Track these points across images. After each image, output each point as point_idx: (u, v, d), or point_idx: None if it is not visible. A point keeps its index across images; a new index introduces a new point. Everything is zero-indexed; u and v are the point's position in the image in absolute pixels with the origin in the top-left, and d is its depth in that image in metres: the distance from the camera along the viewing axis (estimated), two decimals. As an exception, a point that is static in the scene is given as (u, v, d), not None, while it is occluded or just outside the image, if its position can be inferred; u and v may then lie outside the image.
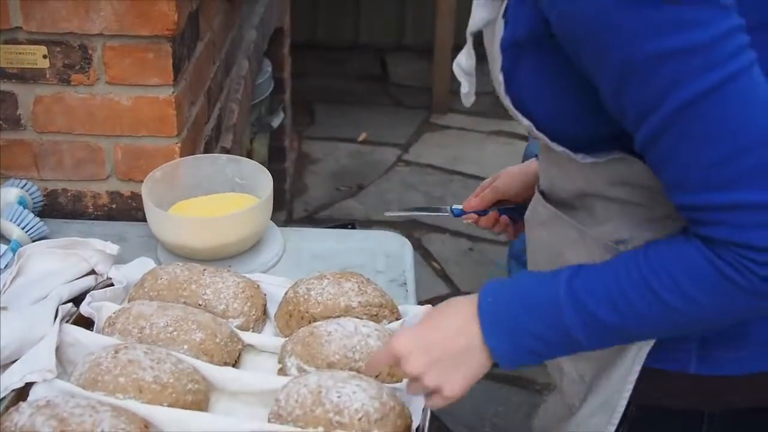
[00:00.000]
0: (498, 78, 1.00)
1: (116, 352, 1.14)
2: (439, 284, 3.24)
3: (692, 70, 0.81)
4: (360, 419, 1.07)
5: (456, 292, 3.11)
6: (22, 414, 1.03)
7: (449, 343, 0.98)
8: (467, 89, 1.13)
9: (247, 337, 1.30)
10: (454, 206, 1.46)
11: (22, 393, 1.16)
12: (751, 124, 0.83)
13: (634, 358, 1.07)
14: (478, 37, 1.06)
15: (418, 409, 1.16)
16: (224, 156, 1.70)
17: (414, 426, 1.14)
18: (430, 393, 1.03)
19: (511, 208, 1.40)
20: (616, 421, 1.12)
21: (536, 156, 1.26)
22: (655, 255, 0.92)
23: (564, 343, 0.95)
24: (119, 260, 1.47)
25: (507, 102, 1.01)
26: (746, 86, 0.82)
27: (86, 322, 1.31)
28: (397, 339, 1.01)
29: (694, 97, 0.82)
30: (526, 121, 1.01)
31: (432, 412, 1.17)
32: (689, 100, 0.82)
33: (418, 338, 1.00)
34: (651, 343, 1.05)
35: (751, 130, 0.83)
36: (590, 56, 0.87)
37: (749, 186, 0.83)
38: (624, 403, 1.10)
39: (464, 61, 1.10)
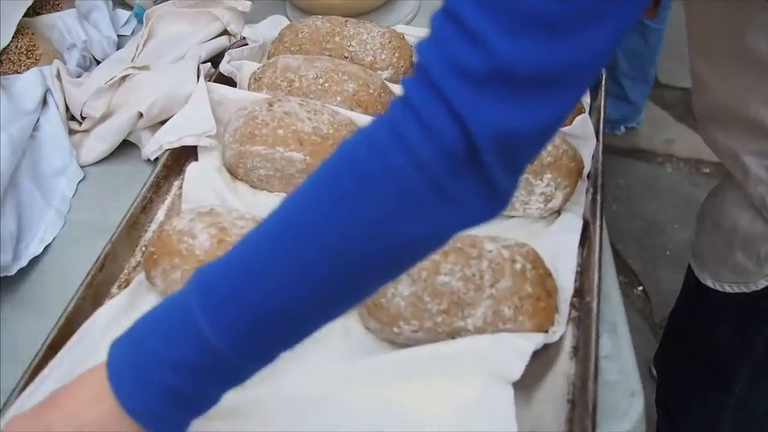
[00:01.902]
0: None
1: (270, 105, 1.08)
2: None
3: None
4: (532, 162, 1.00)
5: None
6: (183, 219, 0.95)
7: (76, 418, 0.64)
8: None
9: (398, 88, 1.22)
10: None
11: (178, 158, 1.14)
12: None
13: None
14: None
15: (588, 154, 1.09)
16: None
17: (585, 171, 1.08)
18: None
19: None
20: None
21: None
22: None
23: (205, 361, 0.62)
24: (248, 21, 1.40)
25: None
26: None
27: (226, 83, 1.25)
28: (8, 424, 0.67)
29: None
30: None
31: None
32: None
33: (37, 419, 0.66)
34: None
35: None
36: None
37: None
38: None
39: None
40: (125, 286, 0.98)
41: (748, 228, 1.09)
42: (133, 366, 0.63)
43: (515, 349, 0.84)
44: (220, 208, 0.97)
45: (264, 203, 1.09)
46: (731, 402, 1.36)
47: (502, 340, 0.85)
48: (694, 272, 1.25)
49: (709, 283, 1.19)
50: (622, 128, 2.97)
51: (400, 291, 0.86)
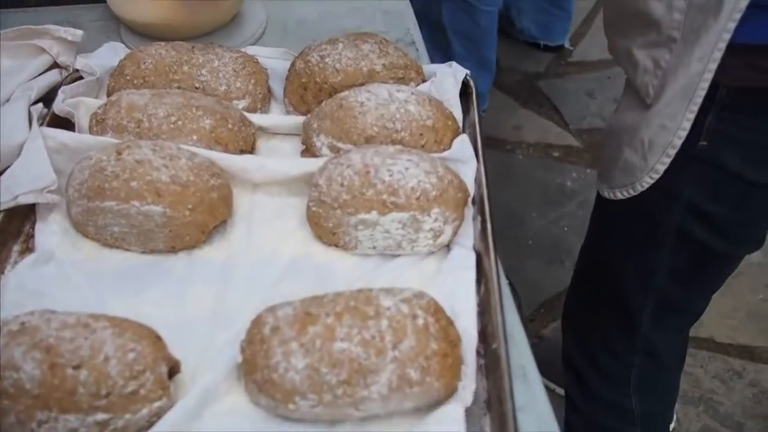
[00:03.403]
0: None
1: (119, 153, 0.95)
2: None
3: None
4: (418, 198, 0.92)
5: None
6: None
7: None
8: None
9: (258, 118, 1.12)
10: None
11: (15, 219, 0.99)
12: None
13: (720, 32, 0.97)
14: None
15: (470, 178, 1.03)
16: None
17: (470, 198, 1.01)
18: None
19: None
20: (695, 107, 1.05)
21: None
22: None
23: None
24: (79, 50, 1.26)
25: None
26: None
27: (62, 125, 1.11)
28: None
29: None
30: None
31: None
32: None
33: None
34: (738, 16, 0.95)
35: None
36: None
37: None
38: (705, 85, 1.02)
39: None
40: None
41: (633, 120, 1.14)
42: None
43: None
44: (34, 319, 0.79)
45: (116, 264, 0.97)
46: (639, 346, 1.42)
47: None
48: (597, 196, 1.32)
49: (605, 193, 1.23)
50: None
51: (293, 364, 0.77)
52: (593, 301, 1.48)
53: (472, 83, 1.18)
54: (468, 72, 1.18)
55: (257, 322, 0.81)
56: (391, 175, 0.92)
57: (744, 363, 2.11)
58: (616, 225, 1.29)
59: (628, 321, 1.39)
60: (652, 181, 1.13)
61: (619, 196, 1.19)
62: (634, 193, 1.17)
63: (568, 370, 1.61)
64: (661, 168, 1.11)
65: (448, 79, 1.16)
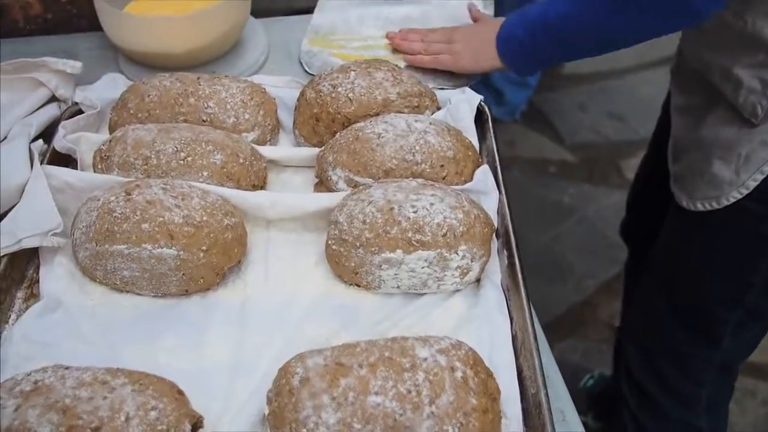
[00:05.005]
0: None
1: (128, 193, 0.90)
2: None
3: None
4: (444, 235, 0.88)
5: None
6: (4, 408, 0.71)
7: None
8: None
9: (269, 151, 1.08)
10: None
11: (18, 263, 0.94)
12: None
13: None
14: None
15: (492, 209, 0.99)
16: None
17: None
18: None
19: None
20: None
21: None
22: None
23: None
24: (78, 81, 1.21)
25: None
26: None
27: (62, 161, 1.07)
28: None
29: None
30: None
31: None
32: None
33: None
34: None
35: None
36: None
37: None
38: None
39: None
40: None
41: (729, 135, 1.12)
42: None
43: None
44: (47, 376, 0.74)
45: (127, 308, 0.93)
46: (715, 361, 1.38)
47: None
48: (674, 208, 1.28)
49: (684, 203, 1.20)
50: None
51: (324, 419, 0.72)
52: (666, 316, 1.41)
53: (486, 110, 1.14)
54: (482, 98, 1.14)
55: (285, 372, 0.77)
56: (415, 212, 0.88)
57: (755, 382, 2.07)
58: (704, 237, 1.24)
59: (708, 336, 1.34)
60: (740, 196, 1.11)
61: (700, 207, 1.17)
62: (718, 207, 1.14)
63: (630, 389, 1.57)
64: (753, 184, 1.09)
65: (463, 105, 1.12)
